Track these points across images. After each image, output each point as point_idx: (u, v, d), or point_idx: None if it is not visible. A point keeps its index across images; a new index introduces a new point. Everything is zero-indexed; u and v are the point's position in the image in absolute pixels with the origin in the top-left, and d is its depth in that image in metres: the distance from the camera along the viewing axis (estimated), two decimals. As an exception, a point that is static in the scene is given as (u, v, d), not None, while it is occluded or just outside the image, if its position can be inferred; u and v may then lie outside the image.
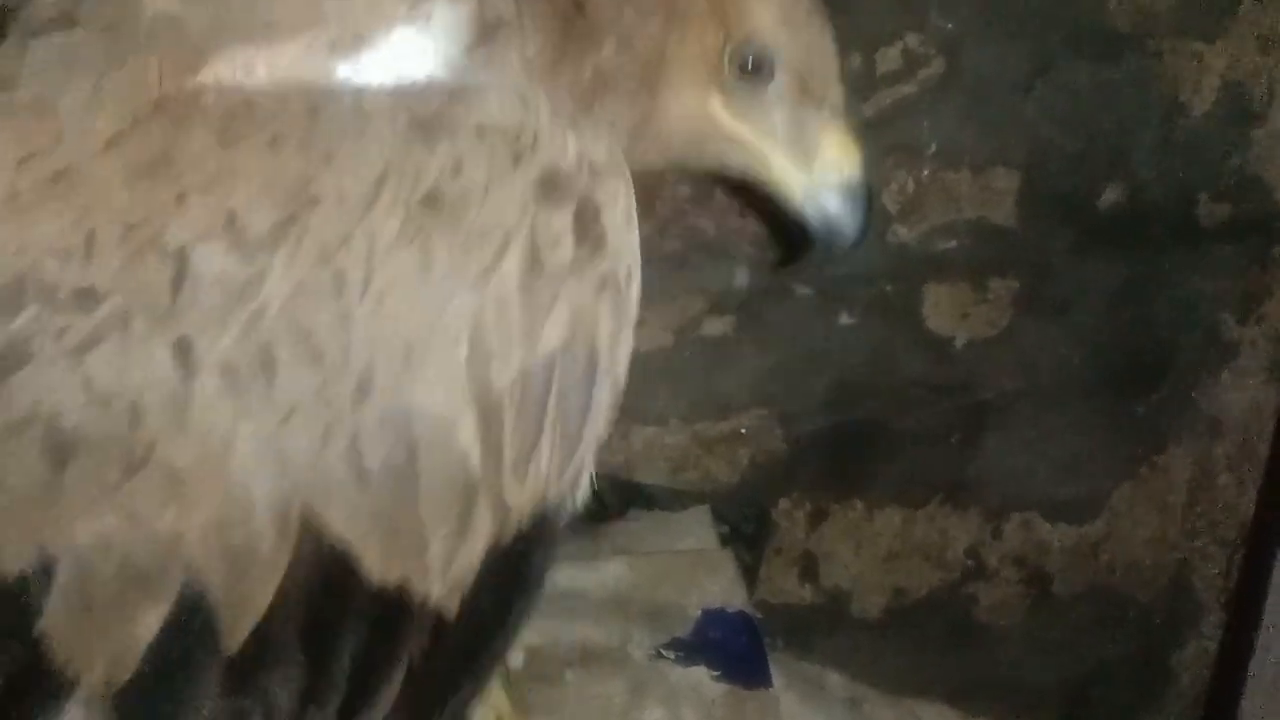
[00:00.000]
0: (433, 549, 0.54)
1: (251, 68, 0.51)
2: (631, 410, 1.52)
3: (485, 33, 0.57)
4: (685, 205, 1.50)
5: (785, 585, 1.66)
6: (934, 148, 1.52)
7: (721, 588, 1.26)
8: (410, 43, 0.55)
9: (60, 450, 0.49)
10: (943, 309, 1.61)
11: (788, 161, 0.74)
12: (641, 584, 1.24)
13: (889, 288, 1.58)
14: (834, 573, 1.69)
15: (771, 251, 1.50)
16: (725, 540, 1.44)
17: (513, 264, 0.52)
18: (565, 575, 1.22)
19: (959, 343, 1.63)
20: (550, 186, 0.54)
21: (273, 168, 0.49)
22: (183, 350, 0.49)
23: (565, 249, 0.54)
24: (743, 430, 1.60)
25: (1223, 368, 1.71)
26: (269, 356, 0.49)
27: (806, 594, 1.69)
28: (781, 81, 0.72)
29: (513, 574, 0.57)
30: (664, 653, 1.16)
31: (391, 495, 0.53)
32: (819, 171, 0.74)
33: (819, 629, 1.68)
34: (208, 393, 0.49)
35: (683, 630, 1.19)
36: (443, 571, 0.55)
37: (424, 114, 0.51)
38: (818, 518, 1.67)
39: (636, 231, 0.58)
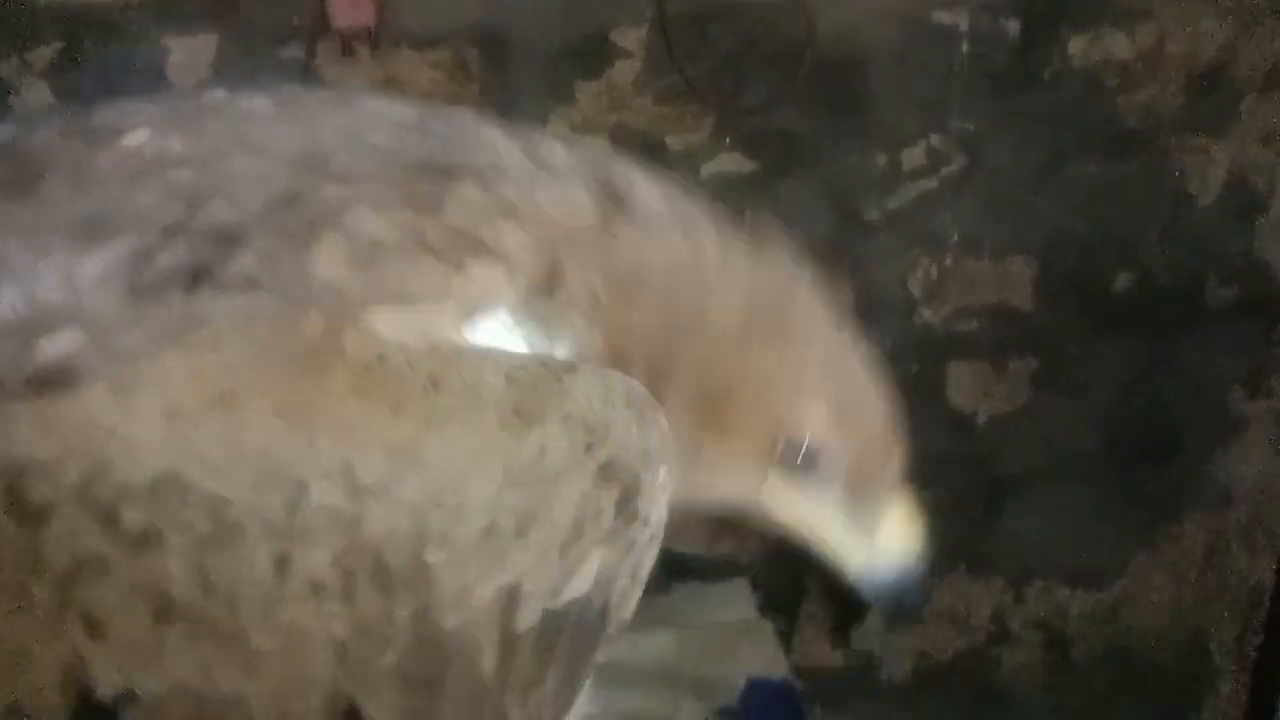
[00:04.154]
0: None
1: (391, 320, 0.61)
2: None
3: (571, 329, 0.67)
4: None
5: (817, 650, 1.74)
6: (956, 237, 1.61)
7: (764, 657, 1.33)
8: (515, 320, 0.65)
9: (167, 614, 0.59)
10: (965, 387, 1.70)
11: (846, 538, 0.76)
12: (688, 655, 1.31)
13: (914, 367, 1.67)
14: (864, 638, 1.76)
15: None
16: (761, 609, 1.51)
17: (560, 532, 0.61)
18: (615, 645, 1.29)
19: (980, 419, 1.71)
20: (608, 472, 0.62)
21: (391, 430, 0.59)
22: (282, 562, 0.59)
23: (605, 520, 0.62)
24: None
25: (1232, 441, 1.79)
26: (352, 580, 0.59)
27: (837, 659, 1.76)
28: (839, 469, 0.74)
29: None
30: (713, 721, 1.23)
31: (423, 701, 0.62)
32: (879, 547, 0.76)
33: (850, 692, 1.75)
34: (294, 598, 0.59)
35: (730, 700, 1.26)
36: None
37: (524, 403, 0.61)
38: (848, 585, 1.75)
39: (666, 505, 0.65)
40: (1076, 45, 1.54)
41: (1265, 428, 1.79)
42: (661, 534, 0.65)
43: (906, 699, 1.81)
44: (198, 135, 0.68)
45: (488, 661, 0.63)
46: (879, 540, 0.76)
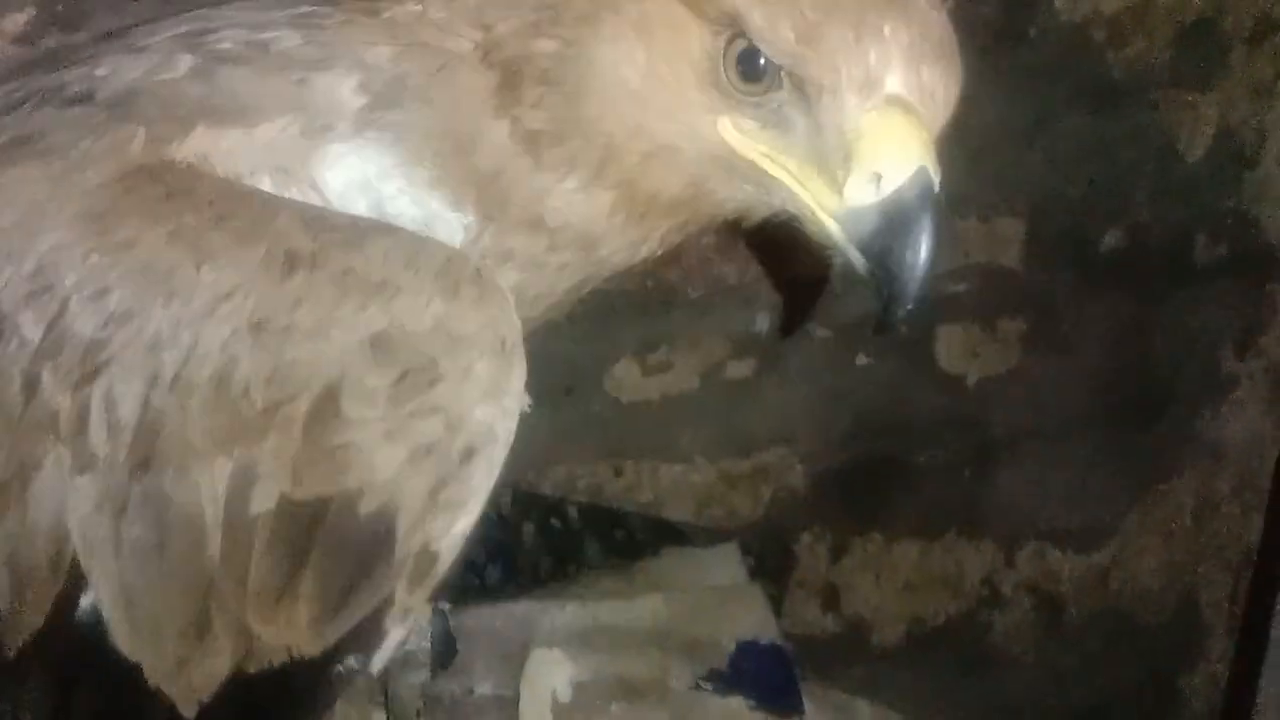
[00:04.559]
0: (168, 644, 0.58)
1: (229, 146, 0.57)
2: (659, 449, 1.60)
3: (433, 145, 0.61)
4: (710, 254, 1.57)
5: (808, 615, 1.73)
6: (943, 197, 1.59)
7: (754, 620, 1.32)
8: (366, 138, 0.60)
9: None
10: (954, 349, 1.68)
11: (816, 182, 0.58)
12: (678, 618, 1.30)
13: (903, 329, 1.65)
14: (855, 603, 1.75)
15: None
16: (752, 574, 1.50)
17: (306, 402, 0.54)
18: (605, 610, 1.28)
19: (970, 380, 1.70)
20: (381, 345, 0.54)
21: (157, 256, 0.56)
22: (30, 381, 0.57)
23: (375, 409, 0.54)
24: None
25: (1222, 400, 1.78)
26: (84, 411, 0.57)
27: (829, 624, 1.75)
28: (787, 78, 0.56)
29: (264, 711, 0.60)
30: (703, 685, 1.22)
31: (139, 574, 0.57)
32: (851, 185, 0.57)
33: (841, 657, 1.74)
34: (33, 424, 0.58)
35: (719, 662, 1.25)
36: (177, 670, 0.58)
37: (301, 247, 0.55)
38: (838, 550, 1.74)
39: (501, 410, 0.55)
40: (1063, -1, 1.53)
41: (1255, 386, 1.79)
42: (490, 451, 0.55)
43: (898, 663, 1.80)
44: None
45: (213, 544, 0.55)
46: (852, 177, 0.56)
